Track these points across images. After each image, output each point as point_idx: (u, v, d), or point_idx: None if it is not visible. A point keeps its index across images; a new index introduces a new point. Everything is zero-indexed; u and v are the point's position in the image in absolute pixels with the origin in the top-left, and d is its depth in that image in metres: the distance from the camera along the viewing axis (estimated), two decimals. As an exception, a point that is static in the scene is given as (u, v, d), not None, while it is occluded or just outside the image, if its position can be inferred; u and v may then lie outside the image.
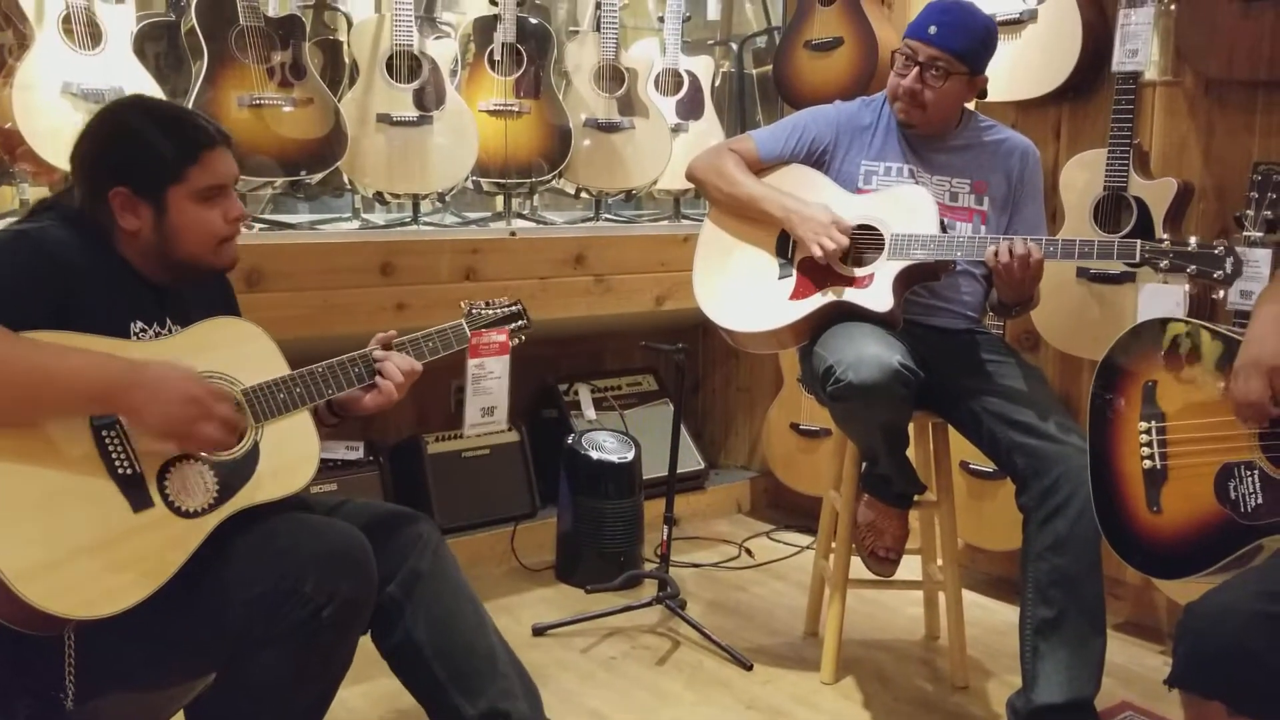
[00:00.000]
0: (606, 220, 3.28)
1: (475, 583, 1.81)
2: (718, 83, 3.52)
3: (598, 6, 3.15)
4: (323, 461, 2.92)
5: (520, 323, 1.98)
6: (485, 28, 3.00)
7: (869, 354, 2.08)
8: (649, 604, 2.75)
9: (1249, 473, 1.74)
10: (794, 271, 2.35)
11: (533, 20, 3.05)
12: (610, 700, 2.38)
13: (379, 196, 2.87)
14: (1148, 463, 1.86)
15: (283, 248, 2.57)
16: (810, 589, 2.78)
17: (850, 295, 2.25)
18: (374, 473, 2.98)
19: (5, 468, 1.38)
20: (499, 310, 1.95)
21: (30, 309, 1.45)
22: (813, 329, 2.30)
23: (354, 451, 2.97)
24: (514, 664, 1.77)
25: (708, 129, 3.36)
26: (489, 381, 1.96)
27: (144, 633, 1.47)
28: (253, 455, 1.58)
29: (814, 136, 2.44)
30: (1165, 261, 1.99)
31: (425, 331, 1.83)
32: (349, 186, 2.86)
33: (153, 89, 2.45)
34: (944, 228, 2.26)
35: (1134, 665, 2.58)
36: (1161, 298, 2.45)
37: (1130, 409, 1.90)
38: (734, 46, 3.82)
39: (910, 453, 2.39)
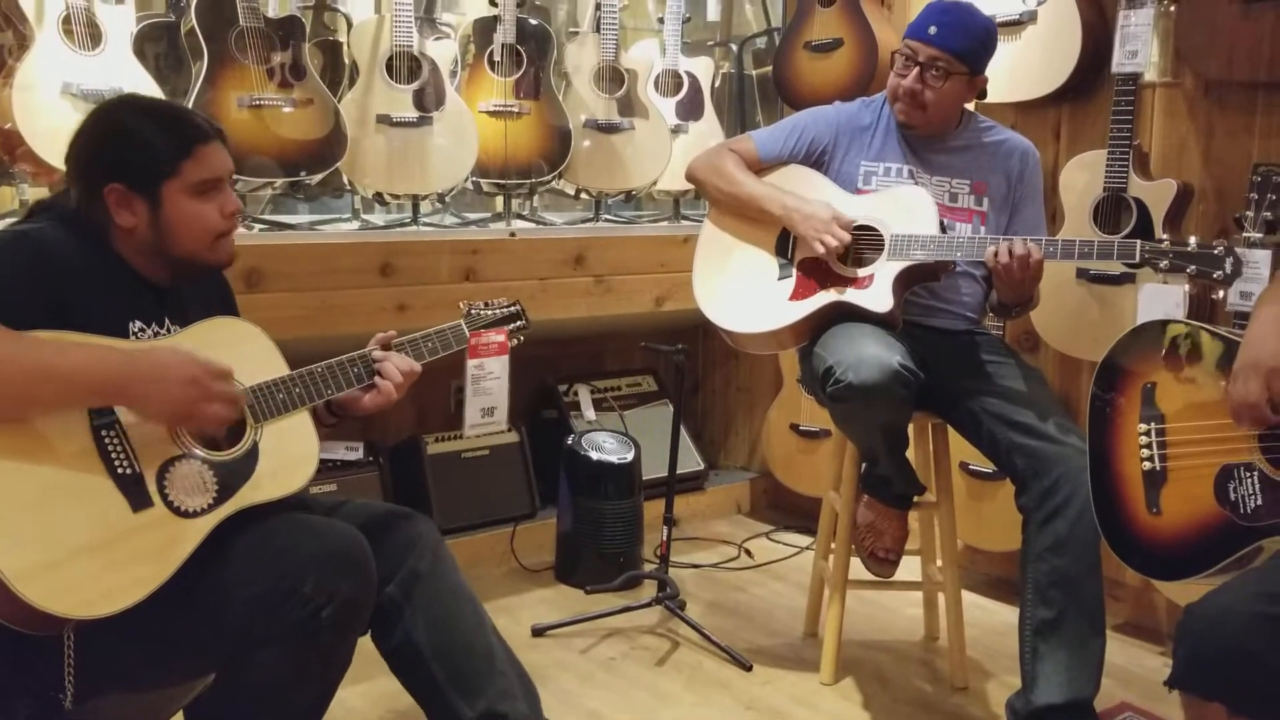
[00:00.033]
0: (606, 221, 3.28)
1: (475, 583, 1.81)
2: (717, 84, 3.52)
3: (597, 7, 3.16)
4: (322, 462, 2.92)
5: (519, 323, 1.98)
6: (485, 29, 3.00)
7: (869, 355, 2.08)
8: (648, 605, 2.75)
9: (1248, 474, 1.74)
10: (794, 272, 2.35)
11: (532, 21, 3.05)
12: (610, 701, 2.38)
13: (379, 197, 2.87)
14: (1147, 464, 1.86)
15: (282, 248, 2.57)
16: (810, 590, 2.78)
17: (850, 296, 2.25)
18: (374, 473, 2.98)
19: (5, 467, 1.39)
20: (498, 311, 1.96)
21: (28, 309, 1.45)
22: (813, 330, 2.30)
23: (354, 452, 2.97)
24: (513, 664, 1.77)
25: (707, 130, 3.36)
26: (488, 382, 1.96)
27: (143, 633, 1.47)
28: (252, 455, 1.58)
29: (814, 137, 2.44)
30: (1165, 262, 1.99)
31: (424, 332, 1.83)
32: (349, 187, 2.86)
33: (153, 90, 2.45)
34: (944, 228, 2.26)
35: (1133, 666, 2.58)
36: (1161, 298, 2.45)
37: (1130, 410, 1.90)
38: (734, 47, 3.82)
39: (910, 453, 2.39)
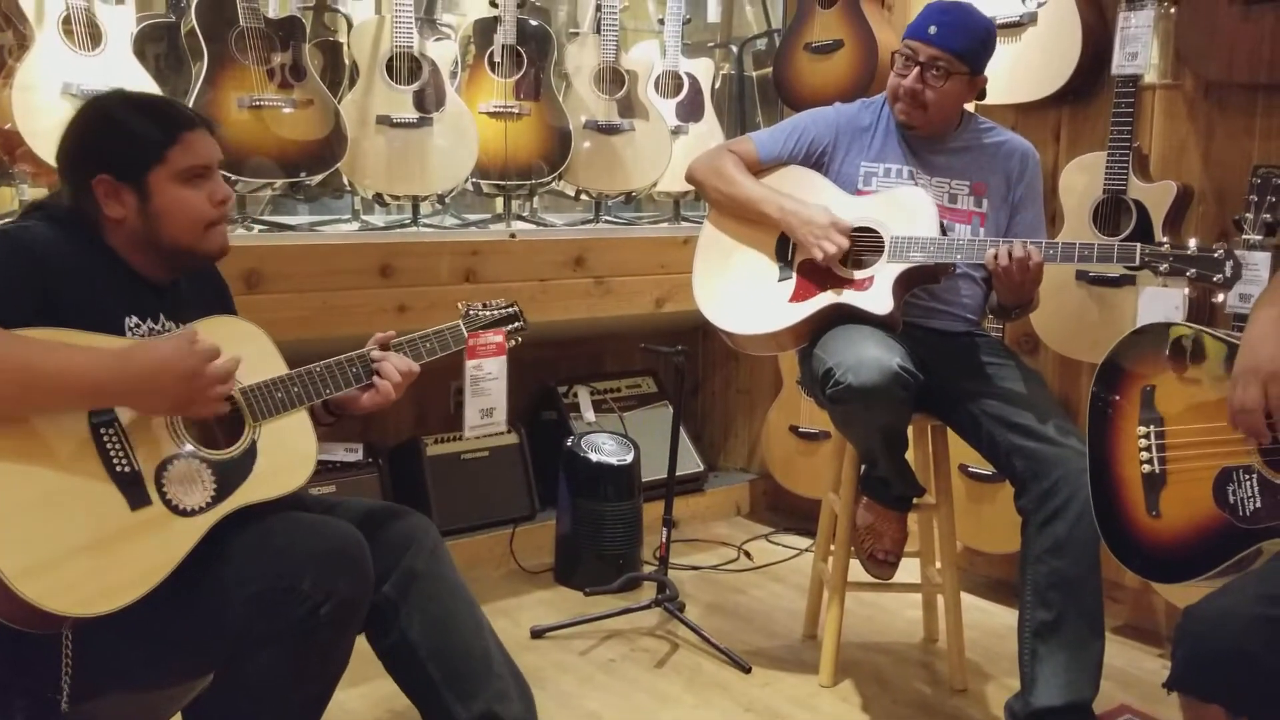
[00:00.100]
0: (606, 222, 3.28)
1: (474, 585, 1.81)
2: (718, 85, 3.52)
3: (598, 9, 3.16)
4: (322, 463, 2.94)
5: (517, 324, 1.98)
6: (485, 29, 3.00)
7: (868, 356, 2.08)
8: (648, 606, 2.75)
9: (1247, 477, 1.74)
10: (794, 274, 2.35)
11: (533, 22, 3.05)
12: (609, 703, 2.38)
13: (379, 198, 2.87)
14: (1146, 467, 1.86)
15: (282, 249, 2.57)
16: (809, 591, 2.77)
17: (850, 298, 2.25)
18: (373, 474, 2.98)
19: (3, 466, 1.38)
20: (496, 312, 1.96)
21: (17, 308, 1.45)
22: (812, 331, 2.30)
23: (353, 453, 2.97)
24: (509, 665, 1.76)
25: (708, 131, 3.36)
26: (487, 383, 1.96)
27: (141, 632, 1.47)
28: (250, 454, 1.59)
29: (813, 138, 2.44)
30: (1165, 265, 1.99)
31: (423, 332, 1.83)
32: (349, 188, 2.86)
33: (153, 90, 2.45)
34: (944, 230, 2.26)
35: (1132, 668, 2.58)
36: (1161, 301, 2.45)
37: (1129, 413, 1.90)
38: (734, 49, 3.83)
39: (909, 455, 2.39)
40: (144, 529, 1.46)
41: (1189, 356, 1.85)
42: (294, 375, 1.65)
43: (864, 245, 2.29)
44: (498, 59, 2.98)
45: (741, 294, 2.40)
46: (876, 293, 2.23)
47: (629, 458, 3.03)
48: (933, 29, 2.26)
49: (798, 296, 2.32)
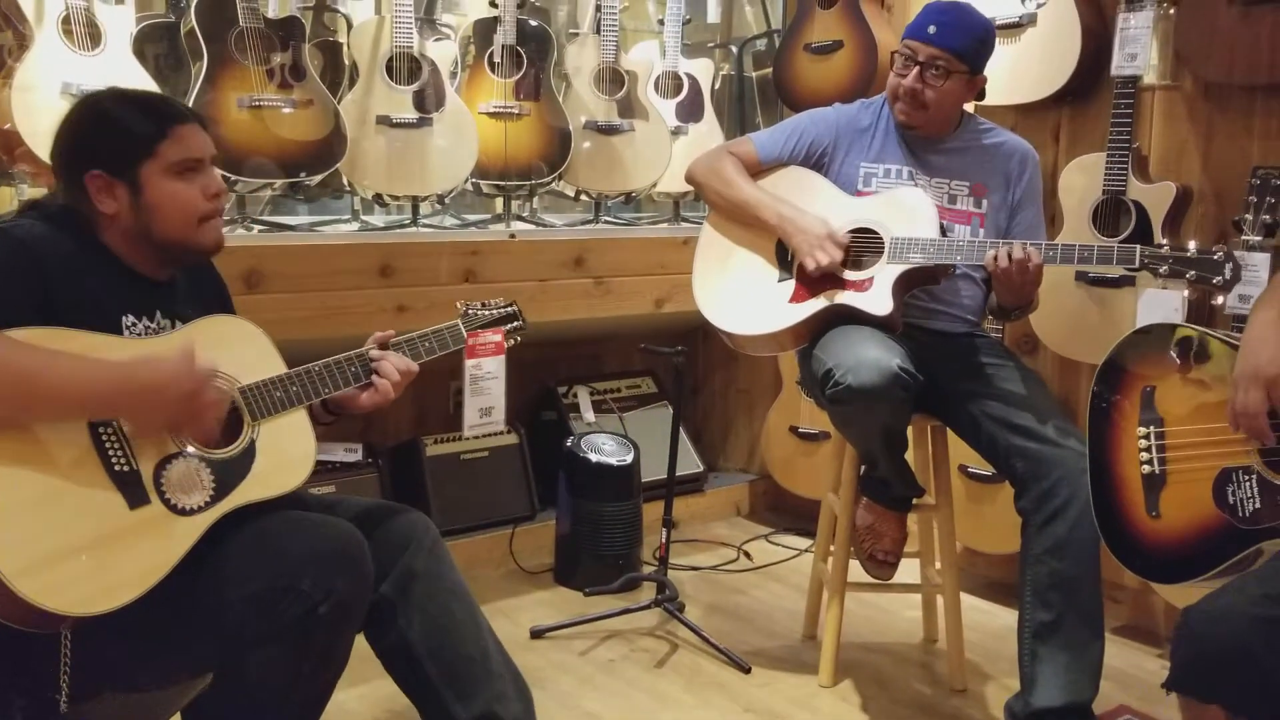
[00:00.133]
0: (606, 223, 3.28)
1: (473, 585, 1.80)
2: (717, 85, 3.52)
3: (598, 9, 3.16)
4: (322, 463, 2.94)
5: (516, 323, 1.99)
6: (485, 30, 3.00)
7: (868, 357, 2.08)
8: (647, 607, 2.75)
9: (1247, 477, 1.74)
10: (793, 274, 2.35)
11: (533, 22, 3.05)
12: (608, 703, 2.38)
13: (378, 198, 2.88)
14: (1146, 468, 1.86)
15: (282, 249, 2.57)
16: (809, 592, 2.77)
17: (850, 299, 2.25)
18: (373, 475, 2.98)
19: (1, 466, 1.38)
20: (494, 311, 1.96)
21: (13, 307, 1.45)
22: (812, 332, 2.30)
23: (353, 453, 2.97)
24: (508, 666, 1.76)
25: (707, 132, 3.36)
26: (486, 382, 1.96)
27: (140, 631, 1.46)
28: (249, 453, 1.59)
29: (813, 139, 2.44)
30: (1164, 267, 1.99)
31: (422, 332, 1.83)
32: (348, 188, 2.86)
33: (152, 88, 2.45)
34: (943, 231, 2.26)
35: (1132, 669, 2.58)
36: (1160, 302, 2.45)
37: (1129, 413, 1.90)
38: (734, 49, 3.83)
39: (909, 456, 2.39)
40: (143, 528, 1.46)
41: (1194, 357, 1.85)
42: (292, 374, 1.65)
43: (864, 246, 2.29)
44: (497, 59, 2.98)
45: (741, 294, 2.40)
46: (876, 294, 2.23)
47: (629, 458, 3.03)
48: (932, 28, 2.26)
49: (798, 297, 2.32)
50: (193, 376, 1.49)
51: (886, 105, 2.41)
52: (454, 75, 2.97)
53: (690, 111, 3.36)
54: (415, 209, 2.89)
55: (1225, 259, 1.94)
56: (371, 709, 2.29)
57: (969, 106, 2.45)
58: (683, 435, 3.34)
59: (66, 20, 2.37)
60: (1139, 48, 2.53)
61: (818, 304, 2.28)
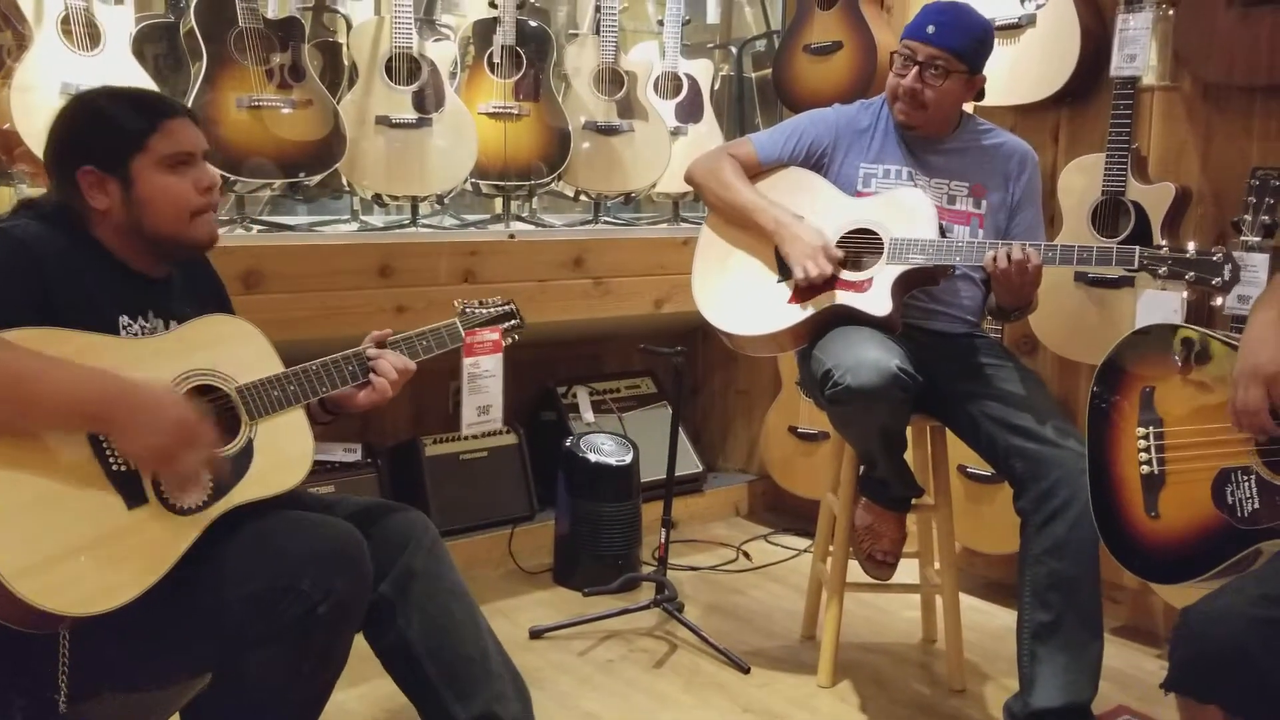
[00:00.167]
0: (605, 223, 3.28)
1: (472, 585, 1.80)
2: (717, 86, 3.52)
3: (597, 9, 3.16)
4: (321, 463, 2.94)
5: (513, 322, 1.98)
6: (485, 30, 3.00)
7: (867, 358, 2.08)
8: (646, 607, 2.75)
9: (1246, 478, 1.74)
10: (792, 276, 2.35)
11: (532, 23, 3.05)
12: (607, 703, 2.38)
13: (377, 199, 2.88)
14: (1145, 468, 1.86)
15: (281, 249, 2.57)
16: (808, 592, 2.77)
17: (849, 299, 2.25)
18: (372, 475, 2.98)
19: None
20: (492, 309, 1.96)
21: (11, 306, 1.45)
22: (811, 333, 2.30)
23: (352, 454, 2.97)
24: (507, 665, 1.76)
25: (707, 132, 3.36)
26: (484, 380, 1.96)
27: (139, 631, 1.46)
28: (247, 452, 1.58)
29: (813, 140, 2.44)
30: (1163, 268, 1.99)
31: (419, 330, 1.83)
32: (348, 188, 2.86)
33: (151, 88, 2.45)
34: (943, 232, 2.26)
35: (1131, 669, 2.58)
36: (1159, 303, 2.45)
37: (1129, 414, 1.90)
38: (733, 50, 3.83)
39: (908, 456, 2.39)
40: (141, 528, 1.46)
41: (1195, 358, 1.85)
42: (290, 374, 1.65)
43: (863, 247, 2.29)
44: (497, 60, 2.98)
45: (741, 295, 2.40)
46: (875, 294, 2.23)
47: (628, 458, 3.03)
48: (931, 28, 2.26)
49: (797, 298, 2.32)
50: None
51: (886, 106, 2.41)
52: (453, 76, 2.97)
53: (690, 112, 3.36)
54: (414, 209, 2.89)
55: (1224, 260, 1.94)
56: (371, 709, 2.29)
57: (968, 107, 2.45)
58: (682, 435, 3.34)
59: (66, 20, 2.37)
60: (1138, 48, 2.53)
61: (817, 304, 2.28)
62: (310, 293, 2.58)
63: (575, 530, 3.01)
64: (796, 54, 3.39)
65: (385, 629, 1.69)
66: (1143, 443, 1.87)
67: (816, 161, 2.44)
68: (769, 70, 3.61)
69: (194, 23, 2.53)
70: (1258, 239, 2.27)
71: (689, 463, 3.54)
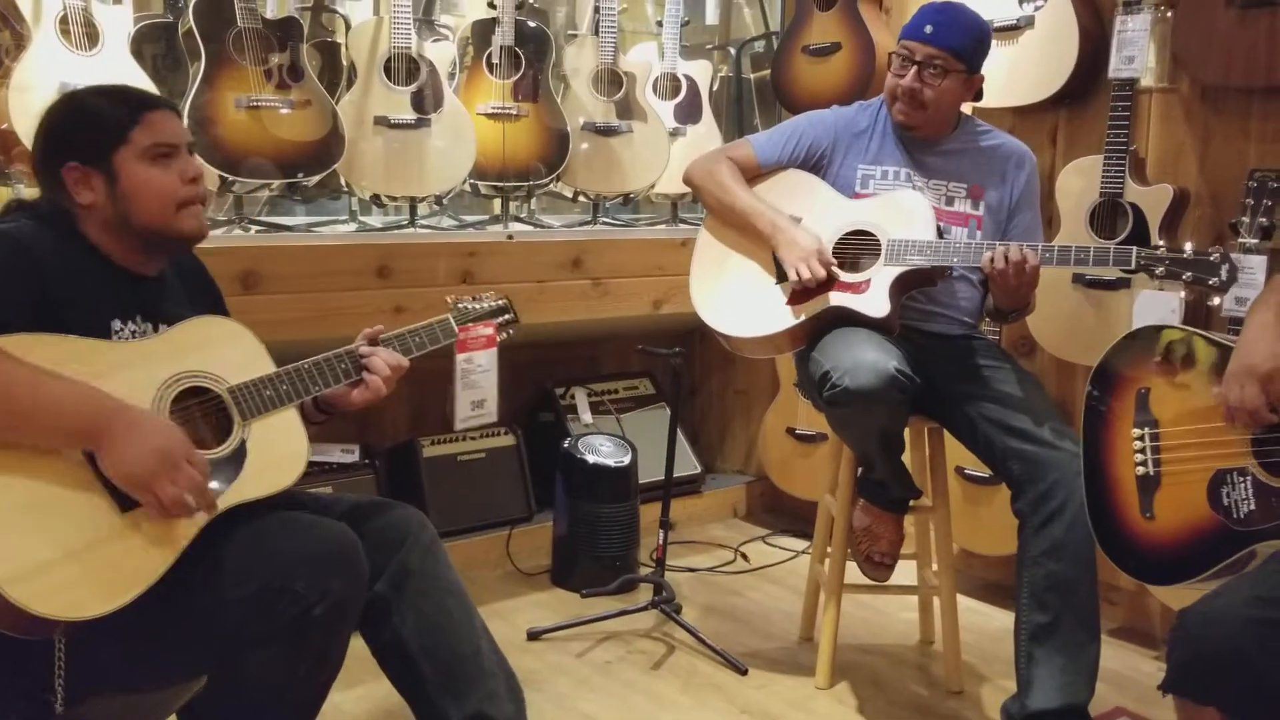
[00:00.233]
0: (604, 224, 3.28)
1: (470, 586, 1.80)
2: (716, 87, 3.53)
3: (596, 10, 3.16)
4: (318, 464, 2.94)
5: (507, 317, 1.98)
6: (484, 31, 3.00)
7: (865, 359, 2.08)
8: (644, 608, 2.75)
9: (1241, 479, 1.74)
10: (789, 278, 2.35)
11: (531, 24, 3.05)
12: (605, 705, 2.38)
13: (376, 199, 2.88)
14: (1141, 469, 1.87)
15: (279, 250, 2.57)
16: (805, 594, 2.77)
17: (847, 301, 2.25)
18: (369, 476, 2.97)
19: (-10, 471, 1.38)
20: (486, 305, 1.96)
21: (13, 306, 1.45)
22: (809, 334, 2.30)
23: (350, 455, 2.97)
24: (501, 665, 1.76)
25: (706, 133, 3.36)
26: (477, 375, 1.96)
27: (135, 633, 1.46)
28: (240, 453, 1.58)
29: (811, 141, 2.44)
30: (1161, 268, 1.99)
31: (412, 327, 1.83)
32: (346, 189, 2.86)
33: (151, 89, 2.45)
34: (940, 233, 2.26)
35: (1128, 671, 2.58)
36: (1157, 304, 2.45)
37: (1124, 415, 1.90)
38: (732, 51, 3.83)
39: (906, 458, 2.39)
40: (134, 531, 1.45)
41: (1179, 361, 1.85)
42: (281, 373, 1.65)
43: (861, 248, 2.29)
44: (496, 60, 2.98)
45: (738, 297, 2.40)
46: (873, 295, 2.23)
47: (626, 459, 3.03)
48: (929, 28, 2.26)
49: (794, 299, 2.32)
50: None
51: (884, 107, 2.41)
52: (452, 76, 2.97)
53: (688, 113, 3.36)
54: (413, 210, 2.89)
55: (1222, 260, 1.94)
56: (369, 710, 2.29)
57: (967, 108, 2.45)
58: (680, 437, 3.34)
59: (64, 20, 2.37)
60: (1136, 50, 2.54)
61: (815, 306, 2.28)
62: (308, 293, 2.58)
63: (573, 531, 3.01)
64: (795, 55, 3.39)
65: (381, 627, 1.69)
66: (1138, 444, 1.87)
67: (815, 163, 2.44)
68: (768, 71, 3.61)
69: (192, 23, 2.53)
70: (1255, 240, 2.27)
71: (687, 464, 3.54)
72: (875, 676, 2.56)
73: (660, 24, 3.38)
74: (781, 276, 2.35)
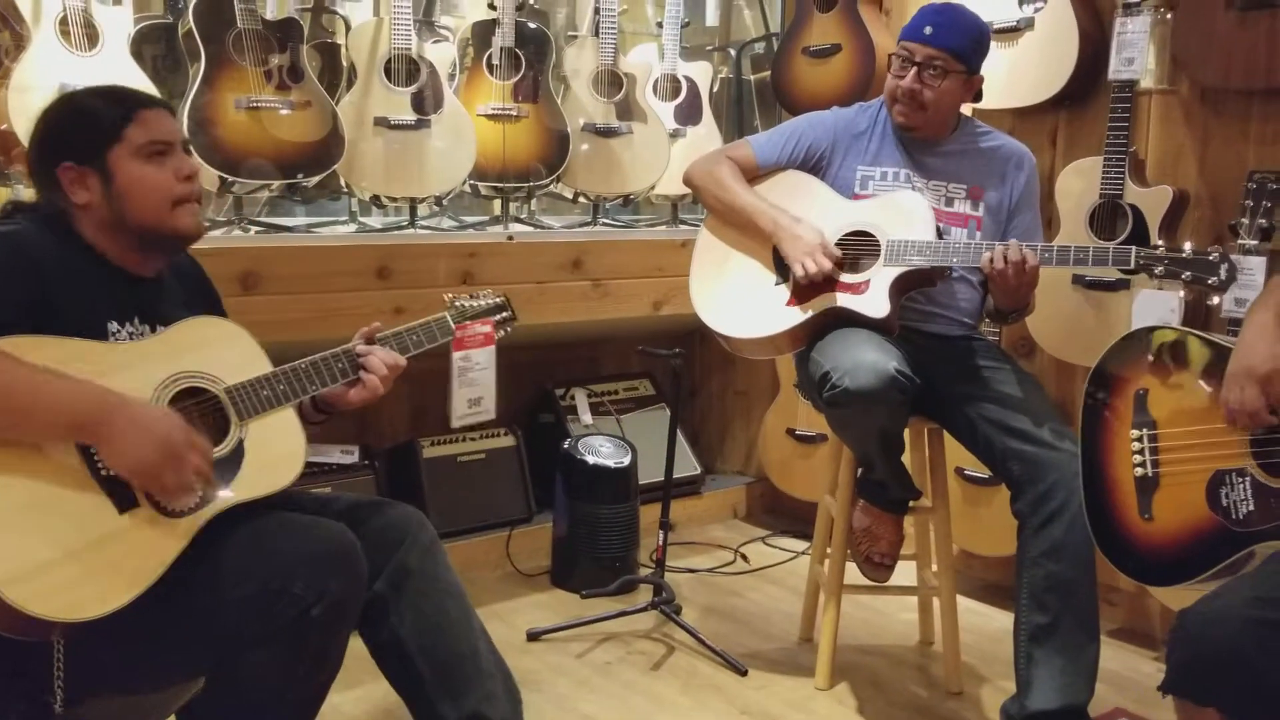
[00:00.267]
0: (604, 225, 3.28)
1: (470, 587, 1.80)
2: (716, 88, 3.53)
3: (596, 11, 3.16)
4: (318, 465, 2.94)
5: (505, 314, 1.98)
6: (484, 32, 3.00)
7: (865, 360, 2.09)
8: (644, 609, 2.75)
9: (1240, 480, 1.74)
10: (789, 278, 2.35)
11: (531, 25, 3.05)
12: (605, 706, 2.38)
13: (376, 200, 2.88)
14: (1140, 470, 1.87)
15: (279, 251, 2.57)
16: (805, 594, 2.77)
17: (846, 301, 2.25)
18: (369, 476, 2.97)
19: (-12, 472, 1.38)
20: (483, 302, 1.96)
21: (13, 307, 1.45)
22: (809, 335, 2.30)
23: (349, 455, 2.97)
24: (499, 666, 1.76)
25: (706, 134, 3.36)
26: (475, 373, 1.96)
27: (133, 634, 1.46)
28: (237, 453, 1.58)
29: (811, 142, 2.44)
30: (1160, 268, 1.99)
31: (409, 325, 1.83)
32: (346, 190, 2.87)
33: (150, 91, 2.45)
34: (940, 234, 2.26)
35: (1128, 671, 2.58)
36: (1156, 305, 2.46)
37: (1122, 416, 1.90)
38: (732, 52, 3.83)
39: (906, 459, 2.39)
40: (133, 532, 1.45)
41: (1173, 362, 1.86)
42: (278, 373, 1.65)
43: (861, 249, 2.29)
44: (496, 61, 2.98)
45: (738, 298, 2.40)
46: (873, 296, 2.23)
47: (626, 460, 3.03)
48: (928, 29, 2.27)
49: (794, 300, 2.32)
50: (183, 429, 1.47)
51: (884, 108, 2.41)
52: (452, 77, 2.97)
53: (688, 114, 3.36)
54: (413, 211, 2.90)
55: (1221, 259, 1.94)
56: (368, 711, 2.29)
57: (967, 109, 2.45)
58: (680, 437, 3.34)
59: (64, 21, 2.37)
60: (1136, 52, 2.54)
61: (814, 307, 2.28)
62: (308, 294, 2.58)
63: (573, 532, 3.01)
64: (795, 56, 3.39)
65: (379, 626, 1.69)
66: (1136, 445, 1.87)
67: (814, 164, 2.44)
68: (768, 73, 3.61)
69: (192, 24, 2.53)
70: (1254, 242, 2.27)
71: (687, 465, 3.54)
72: (875, 677, 2.56)
73: (660, 25, 3.38)
74: (782, 276, 2.35)
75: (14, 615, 1.35)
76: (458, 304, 1.93)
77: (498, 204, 3.10)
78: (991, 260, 2.12)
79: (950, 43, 2.26)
